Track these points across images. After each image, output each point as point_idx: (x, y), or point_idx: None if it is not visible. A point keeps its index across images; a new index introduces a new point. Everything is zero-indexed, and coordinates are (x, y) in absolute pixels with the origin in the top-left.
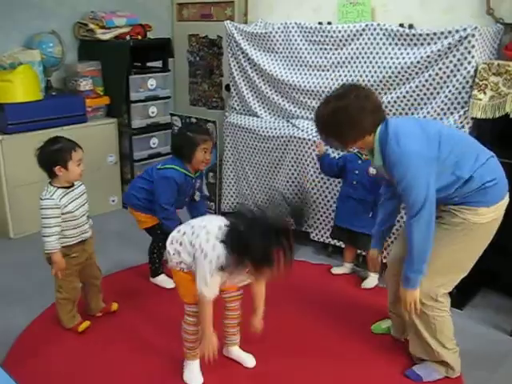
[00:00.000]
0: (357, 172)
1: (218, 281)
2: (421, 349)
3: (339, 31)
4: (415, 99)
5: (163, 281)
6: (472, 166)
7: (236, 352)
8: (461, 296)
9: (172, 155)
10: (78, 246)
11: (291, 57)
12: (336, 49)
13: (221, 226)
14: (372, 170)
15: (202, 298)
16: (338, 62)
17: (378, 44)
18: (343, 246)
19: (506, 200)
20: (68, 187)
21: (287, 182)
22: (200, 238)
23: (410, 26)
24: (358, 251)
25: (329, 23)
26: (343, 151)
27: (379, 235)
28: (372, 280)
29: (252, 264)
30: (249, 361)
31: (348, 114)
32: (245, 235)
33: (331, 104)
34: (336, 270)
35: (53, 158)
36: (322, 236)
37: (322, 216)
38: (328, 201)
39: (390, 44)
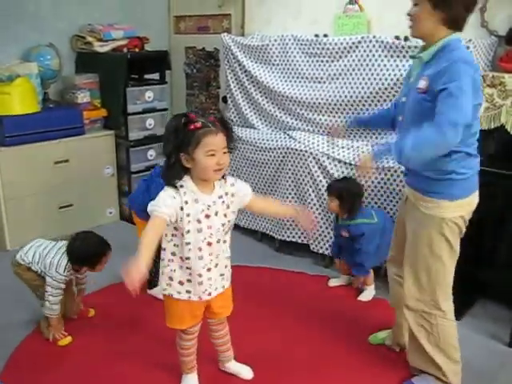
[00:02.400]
0: (336, 237)
1: (175, 203)
2: (420, 360)
3: (335, 43)
4: None
5: (159, 292)
6: (468, 146)
7: (232, 366)
8: (459, 306)
9: None
10: None
11: (288, 69)
12: (332, 61)
13: None
14: (345, 234)
15: (151, 214)
16: (335, 74)
17: (373, 56)
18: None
19: (473, 199)
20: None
21: (285, 193)
22: None
23: (406, 39)
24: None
25: (325, 35)
26: None
27: (359, 118)
28: (368, 293)
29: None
30: (246, 373)
31: None
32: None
33: None
34: (333, 283)
35: (83, 260)
36: (321, 247)
37: (321, 228)
38: (327, 212)
39: (386, 56)
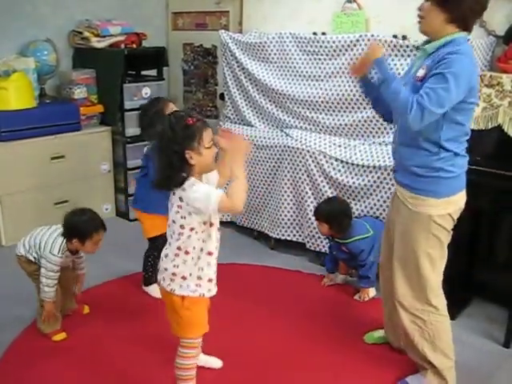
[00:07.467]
0: (334, 252)
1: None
2: (416, 356)
3: (333, 42)
4: None
5: (155, 290)
6: (458, 146)
7: (202, 358)
8: (453, 306)
9: None
10: None
11: (285, 67)
12: (330, 59)
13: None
14: (345, 249)
15: (219, 197)
16: (332, 72)
17: None
18: None
19: (460, 198)
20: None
21: (281, 191)
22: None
23: (404, 37)
24: None
25: (323, 33)
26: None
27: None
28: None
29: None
30: (215, 362)
31: None
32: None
33: None
34: (328, 281)
35: (74, 230)
36: (318, 245)
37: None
38: None
39: (384, 54)
